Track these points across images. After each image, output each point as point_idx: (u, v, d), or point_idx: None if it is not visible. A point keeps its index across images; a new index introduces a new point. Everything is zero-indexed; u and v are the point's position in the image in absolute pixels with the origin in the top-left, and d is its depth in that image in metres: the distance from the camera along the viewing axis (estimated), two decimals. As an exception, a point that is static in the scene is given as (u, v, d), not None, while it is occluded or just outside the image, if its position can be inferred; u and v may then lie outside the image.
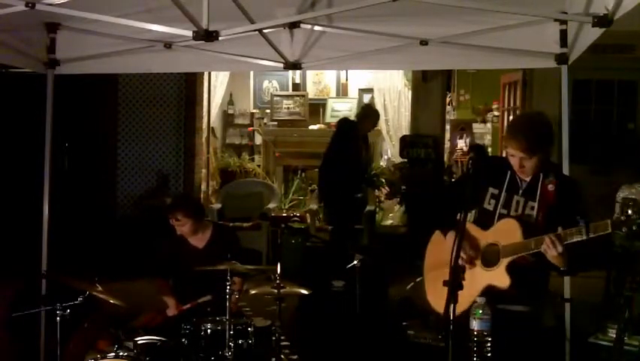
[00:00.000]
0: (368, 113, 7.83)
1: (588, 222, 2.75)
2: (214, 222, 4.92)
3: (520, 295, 2.97)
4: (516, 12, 3.78)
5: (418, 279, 3.44)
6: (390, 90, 10.42)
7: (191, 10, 2.97)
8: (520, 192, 3.07)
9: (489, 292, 2.92)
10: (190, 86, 8.85)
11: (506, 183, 3.10)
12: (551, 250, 2.79)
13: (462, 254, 3.03)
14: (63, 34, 4.61)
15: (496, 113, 9.77)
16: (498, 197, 3.10)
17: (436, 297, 3.20)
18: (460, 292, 2.93)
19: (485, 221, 3.11)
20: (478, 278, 3.00)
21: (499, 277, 2.94)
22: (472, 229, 3.11)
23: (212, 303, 4.15)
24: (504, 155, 3.18)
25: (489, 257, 3.01)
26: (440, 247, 3.23)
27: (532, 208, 3.02)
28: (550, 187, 3.02)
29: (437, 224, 3.32)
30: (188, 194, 8.21)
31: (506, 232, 2.97)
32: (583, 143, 9.05)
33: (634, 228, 2.64)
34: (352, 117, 8.16)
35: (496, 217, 3.09)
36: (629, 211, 2.57)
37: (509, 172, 3.09)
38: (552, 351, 4.03)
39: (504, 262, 2.94)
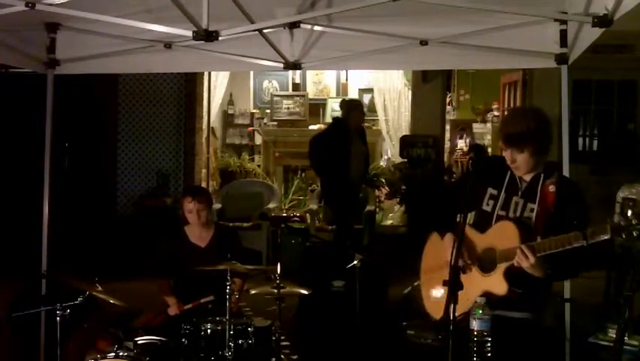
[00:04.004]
0: (352, 106, 7.67)
1: (585, 230, 2.60)
2: (216, 223, 4.93)
3: (520, 301, 2.86)
4: (516, 12, 3.78)
5: (416, 283, 3.33)
6: (390, 90, 10.42)
7: (191, 10, 2.98)
8: (520, 193, 2.93)
9: (486, 298, 2.78)
10: (190, 86, 8.85)
11: (506, 183, 2.97)
12: (523, 262, 2.69)
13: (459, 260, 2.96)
14: (63, 34, 4.61)
15: (496, 113, 9.77)
16: (497, 198, 2.96)
17: (431, 300, 3.11)
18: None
19: (483, 223, 2.97)
20: (475, 284, 2.86)
21: (496, 283, 2.82)
22: (469, 232, 2.96)
23: (214, 303, 4.15)
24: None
25: (486, 262, 2.89)
26: (437, 249, 3.12)
27: (532, 210, 2.88)
28: (551, 188, 2.88)
29: (435, 225, 3.20)
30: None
31: (503, 235, 2.84)
32: (583, 143, 9.09)
33: (634, 233, 2.52)
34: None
35: (494, 219, 2.95)
36: (629, 212, 2.53)
37: (509, 172, 2.97)
38: (552, 351, 4.03)
39: (501, 267, 2.81)
